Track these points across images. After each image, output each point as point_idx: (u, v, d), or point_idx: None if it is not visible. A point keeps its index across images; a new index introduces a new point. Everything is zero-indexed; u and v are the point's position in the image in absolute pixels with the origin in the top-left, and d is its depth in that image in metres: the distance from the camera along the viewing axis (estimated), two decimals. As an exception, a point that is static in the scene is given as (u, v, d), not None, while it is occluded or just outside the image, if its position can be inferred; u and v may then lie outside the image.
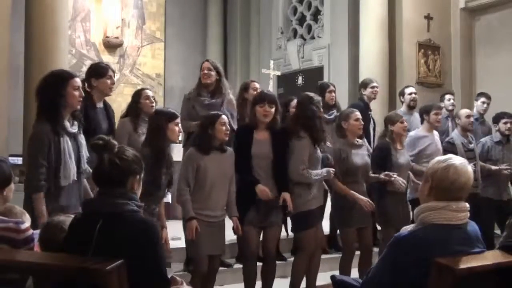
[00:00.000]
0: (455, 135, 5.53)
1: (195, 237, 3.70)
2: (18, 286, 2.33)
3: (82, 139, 3.41)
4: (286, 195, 4.02)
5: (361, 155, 4.48)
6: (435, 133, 5.42)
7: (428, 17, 8.11)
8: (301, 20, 10.20)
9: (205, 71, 4.67)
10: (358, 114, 4.51)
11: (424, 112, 5.39)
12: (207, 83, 4.67)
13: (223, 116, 3.90)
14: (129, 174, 2.26)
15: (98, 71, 4.06)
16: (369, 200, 4.32)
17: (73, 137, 3.35)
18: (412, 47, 8.01)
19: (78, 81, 3.38)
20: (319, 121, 4.18)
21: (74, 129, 3.35)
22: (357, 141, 4.52)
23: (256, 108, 4.03)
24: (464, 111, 5.68)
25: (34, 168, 3.19)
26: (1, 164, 2.52)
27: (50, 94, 3.27)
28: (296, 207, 4.09)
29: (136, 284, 2.07)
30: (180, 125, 3.82)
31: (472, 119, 5.58)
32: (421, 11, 8.06)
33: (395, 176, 4.47)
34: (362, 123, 4.55)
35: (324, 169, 4.15)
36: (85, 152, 3.40)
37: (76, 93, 3.33)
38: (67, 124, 3.30)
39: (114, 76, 4.19)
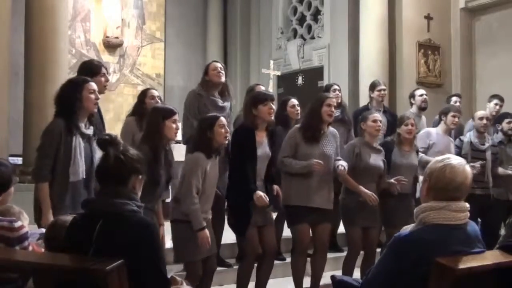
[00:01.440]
0: (469, 133, 5.59)
1: (208, 247, 3.65)
2: (19, 286, 2.34)
3: (96, 145, 3.47)
4: (274, 186, 4.14)
5: (375, 157, 4.48)
6: (451, 139, 5.49)
7: (428, 17, 8.11)
8: (301, 20, 10.20)
9: (219, 70, 4.63)
10: (376, 115, 4.55)
11: (443, 114, 5.46)
12: (219, 82, 4.64)
13: (222, 118, 3.80)
14: (132, 172, 2.27)
15: (91, 69, 4.04)
16: (374, 194, 4.30)
17: (87, 139, 3.45)
18: (412, 47, 8.01)
19: (93, 85, 3.49)
20: (316, 120, 4.18)
21: (89, 131, 3.42)
22: (376, 145, 4.55)
23: (259, 108, 3.99)
24: (478, 113, 5.70)
25: (40, 158, 3.34)
26: (1, 168, 2.53)
27: (67, 98, 3.38)
28: (282, 199, 4.20)
29: (136, 284, 2.07)
30: (178, 122, 3.71)
31: (485, 121, 5.58)
32: (421, 11, 8.07)
33: (404, 181, 4.50)
34: (380, 124, 4.57)
35: (308, 161, 4.07)
36: (98, 158, 3.45)
37: (92, 96, 3.44)
38: (81, 125, 3.40)
39: (108, 74, 4.18)
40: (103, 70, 4.05)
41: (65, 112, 3.37)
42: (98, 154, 3.46)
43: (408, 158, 4.77)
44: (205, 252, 3.71)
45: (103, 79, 4.04)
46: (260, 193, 3.90)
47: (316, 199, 4.15)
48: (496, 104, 6.24)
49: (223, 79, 4.65)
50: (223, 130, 3.73)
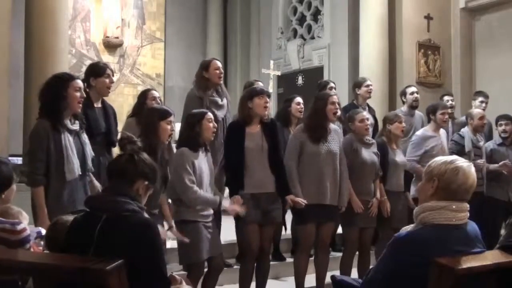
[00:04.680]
0: (465, 130, 5.55)
1: (243, 210, 3.76)
2: (19, 286, 2.33)
3: (85, 138, 3.49)
4: (291, 197, 4.07)
5: (370, 153, 4.51)
6: (442, 132, 5.41)
7: (428, 17, 8.10)
8: (301, 20, 10.20)
9: (220, 70, 4.64)
10: (363, 115, 4.56)
11: (431, 112, 5.38)
12: (218, 83, 4.65)
13: (209, 113, 3.85)
14: (140, 175, 2.29)
15: (96, 70, 4.05)
16: (360, 205, 4.33)
17: (76, 134, 3.41)
18: (412, 47, 8.00)
19: (79, 82, 3.45)
20: (322, 119, 4.18)
21: (75, 127, 3.38)
22: (368, 140, 4.56)
23: (255, 101, 4.00)
24: (477, 112, 5.65)
25: (32, 162, 3.28)
26: (1, 166, 2.52)
27: (51, 96, 3.33)
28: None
29: (136, 284, 2.07)
30: (172, 124, 3.74)
31: (485, 121, 5.58)
32: (421, 11, 8.06)
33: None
34: (368, 123, 4.58)
35: (299, 193, 4.08)
36: (89, 150, 3.45)
37: (77, 94, 3.39)
38: (67, 122, 3.35)
39: (113, 76, 4.17)
40: (108, 72, 4.05)
41: (49, 110, 3.32)
42: (88, 146, 3.47)
43: (399, 156, 4.82)
44: (208, 253, 3.73)
45: (107, 80, 4.04)
46: (237, 198, 3.88)
47: (327, 195, 4.16)
48: (482, 102, 6.22)
49: (221, 81, 4.67)
50: (211, 125, 3.78)
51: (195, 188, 3.66)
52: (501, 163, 5.48)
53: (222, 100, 4.64)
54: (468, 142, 5.42)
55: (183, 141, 3.84)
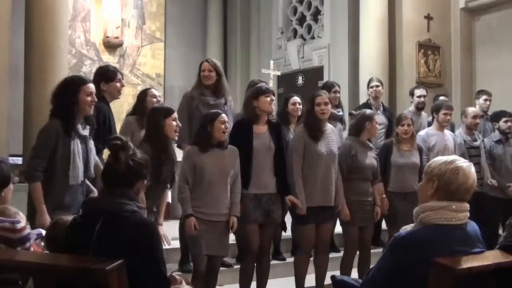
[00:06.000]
0: (458, 132, 5.55)
1: (194, 233, 3.69)
2: (19, 286, 2.33)
3: (91, 144, 3.50)
4: (290, 198, 4.08)
5: (369, 156, 4.51)
6: (448, 132, 5.42)
7: (428, 17, 8.11)
8: (301, 20, 10.20)
9: (206, 73, 4.60)
10: (377, 118, 4.64)
11: (434, 111, 5.40)
12: (206, 85, 4.64)
13: (223, 115, 3.86)
14: (139, 177, 2.30)
15: (107, 75, 4.07)
16: (347, 213, 4.32)
17: (84, 140, 3.42)
18: (412, 47, 8.01)
19: (91, 87, 3.44)
20: (314, 120, 4.19)
21: (86, 132, 3.40)
22: (368, 144, 4.57)
23: (261, 99, 4.03)
24: (471, 110, 5.65)
25: (33, 158, 3.29)
26: (1, 165, 2.53)
27: (63, 100, 3.34)
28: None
29: (136, 284, 2.07)
30: (177, 120, 3.78)
31: (478, 120, 5.58)
32: (421, 11, 8.07)
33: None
34: (380, 127, 4.63)
35: (302, 201, 4.07)
36: (93, 157, 3.47)
37: (88, 99, 3.39)
38: (79, 126, 3.37)
39: (123, 79, 4.20)
40: (119, 76, 4.09)
41: (62, 114, 3.34)
42: (93, 152, 3.49)
43: (408, 157, 4.78)
44: (209, 249, 3.75)
45: (118, 84, 4.08)
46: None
47: (319, 197, 4.15)
48: (486, 100, 6.26)
49: (210, 82, 4.61)
50: (223, 126, 3.80)
51: (183, 189, 3.75)
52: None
53: (216, 100, 4.60)
54: (461, 145, 5.43)
55: (194, 140, 3.92)
